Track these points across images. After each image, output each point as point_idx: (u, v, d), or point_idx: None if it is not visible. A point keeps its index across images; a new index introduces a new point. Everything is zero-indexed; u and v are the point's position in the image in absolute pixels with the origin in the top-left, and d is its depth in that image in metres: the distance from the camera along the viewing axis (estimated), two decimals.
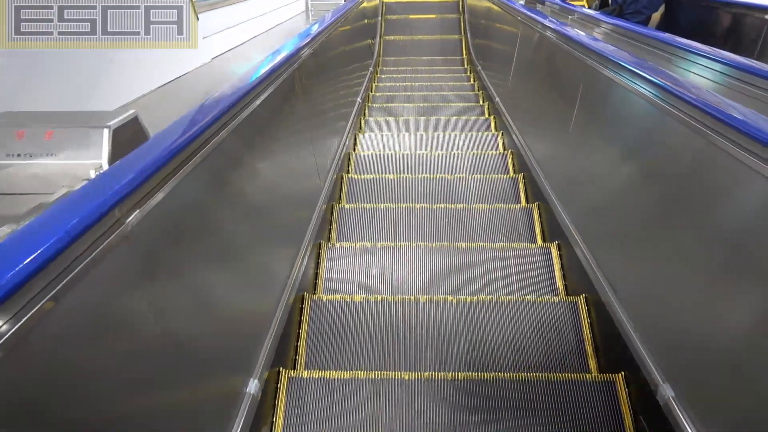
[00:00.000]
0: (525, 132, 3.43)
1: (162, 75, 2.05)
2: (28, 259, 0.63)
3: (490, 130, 4.36)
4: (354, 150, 3.94)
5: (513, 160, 3.58)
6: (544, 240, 2.72)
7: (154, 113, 1.81)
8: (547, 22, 2.96)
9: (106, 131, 1.45)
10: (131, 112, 1.59)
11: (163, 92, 2.03)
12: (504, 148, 3.90)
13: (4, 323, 0.60)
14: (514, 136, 3.60)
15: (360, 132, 4.30)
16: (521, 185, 3.21)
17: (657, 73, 1.55)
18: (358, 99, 4.57)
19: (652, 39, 3.03)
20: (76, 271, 0.72)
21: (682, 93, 1.38)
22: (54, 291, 0.68)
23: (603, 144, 2.10)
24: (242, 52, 2.93)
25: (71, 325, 0.74)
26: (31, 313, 0.63)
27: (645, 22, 4.44)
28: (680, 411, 1.32)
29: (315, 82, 2.74)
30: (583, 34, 2.45)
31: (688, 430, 1.28)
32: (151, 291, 1.01)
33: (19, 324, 0.61)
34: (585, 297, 2.10)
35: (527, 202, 3.09)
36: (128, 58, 1.89)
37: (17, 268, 0.61)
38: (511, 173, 3.47)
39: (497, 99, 4.37)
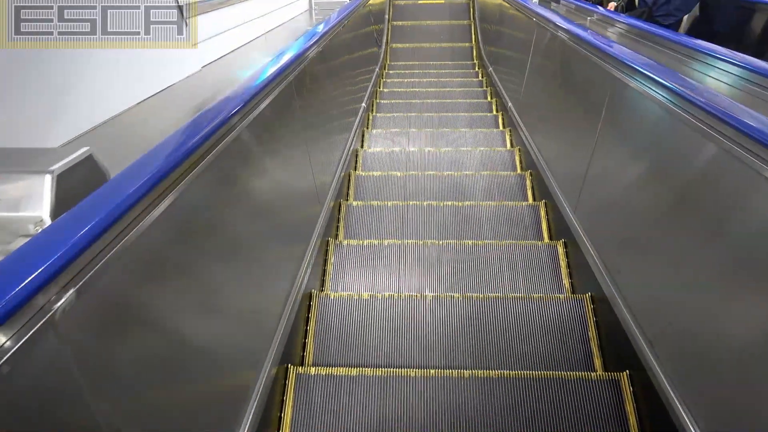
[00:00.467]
0: (533, 129, 3.43)
1: (144, 88, 1.73)
2: None
3: (498, 126, 4.36)
4: (362, 147, 3.96)
5: (520, 157, 3.58)
6: (550, 238, 2.72)
7: (126, 139, 1.49)
8: (566, 26, 2.80)
9: (47, 178, 1.17)
10: (83, 150, 1.28)
11: (143, 108, 1.70)
12: (512, 145, 3.90)
13: None
14: (521, 134, 3.60)
15: (368, 128, 4.31)
16: (528, 182, 3.22)
17: (683, 83, 1.49)
18: (366, 95, 4.58)
19: (681, 45, 2.78)
20: None
21: (694, 98, 1.36)
22: None
23: (618, 146, 2.08)
24: (239, 57, 2.72)
25: None
26: None
27: (676, 26, 4.12)
28: (683, 410, 1.34)
29: (319, 81, 2.75)
30: (609, 40, 2.34)
31: (691, 429, 1.29)
32: (160, 296, 1.04)
33: None
34: (591, 295, 2.11)
35: (534, 200, 3.10)
36: (104, 69, 1.60)
37: None
38: (519, 170, 3.48)
39: (510, 105, 4.35)
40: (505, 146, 3.92)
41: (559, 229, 2.59)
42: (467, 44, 7.09)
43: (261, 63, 1.77)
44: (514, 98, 4.14)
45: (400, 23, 7.43)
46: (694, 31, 4.34)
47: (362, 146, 4.00)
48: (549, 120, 3.17)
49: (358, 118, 3.99)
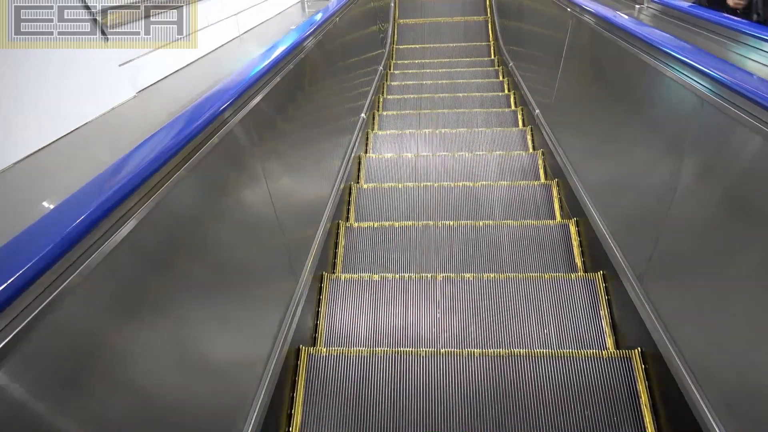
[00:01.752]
0: (544, 110, 3.38)
1: (48, 130, 1.22)
2: None
3: (509, 106, 4.30)
4: (372, 129, 3.94)
5: (532, 137, 3.54)
6: (562, 217, 2.70)
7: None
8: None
9: None
10: None
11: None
12: (524, 125, 3.85)
13: None
14: (533, 111, 3.55)
15: (378, 111, 4.29)
16: (540, 160, 3.18)
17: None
18: (375, 78, 4.54)
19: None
20: None
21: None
22: None
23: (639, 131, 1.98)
24: (210, 62, 2.01)
25: None
26: None
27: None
28: (691, 382, 1.33)
29: (323, 69, 2.73)
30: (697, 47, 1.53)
31: (699, 400, 1.28)
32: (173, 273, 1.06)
33: None
34: (603, 274, 2.09)
35: (546, 179, 3.06)
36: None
37: None
38: (531, 150, 3.44)
39: (511, 65, 4.28)
40: (518, 125, 3.87)
41: (572, 207, 2.56)
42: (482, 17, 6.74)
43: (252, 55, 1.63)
44: (518, 64, 4.05)
45: None
46: None
47: (373, 128, 3.98)
48: (568, 105, 3.11)
49: (368, 101, 3.96)
